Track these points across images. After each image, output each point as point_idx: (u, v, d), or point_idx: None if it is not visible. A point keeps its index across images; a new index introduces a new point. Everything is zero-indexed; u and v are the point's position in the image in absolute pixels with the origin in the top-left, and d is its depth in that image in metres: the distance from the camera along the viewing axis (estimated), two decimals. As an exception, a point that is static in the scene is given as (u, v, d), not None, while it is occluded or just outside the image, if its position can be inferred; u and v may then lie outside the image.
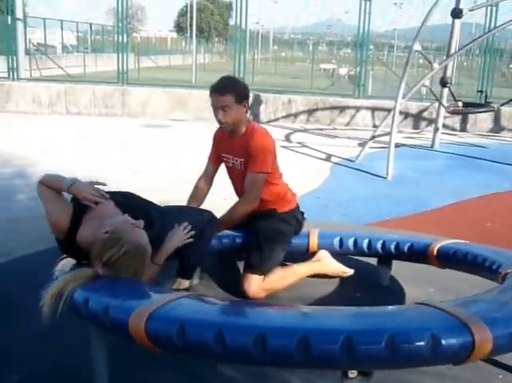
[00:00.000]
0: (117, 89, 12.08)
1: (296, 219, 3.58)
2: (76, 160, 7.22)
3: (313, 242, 3.71)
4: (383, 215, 5.03)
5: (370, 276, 3.80)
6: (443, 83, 9.13)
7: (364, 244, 3.65)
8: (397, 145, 8.42)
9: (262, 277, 3.32)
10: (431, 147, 9.64)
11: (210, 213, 3.26)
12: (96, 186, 2.68)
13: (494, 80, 14.44)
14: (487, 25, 12.05)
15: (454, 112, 9.02)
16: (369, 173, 7.21)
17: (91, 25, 25.02)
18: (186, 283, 3.11)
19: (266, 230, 3.43)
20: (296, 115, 12.08)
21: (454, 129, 11.84)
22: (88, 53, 22.20)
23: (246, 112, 3.40)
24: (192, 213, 3.25)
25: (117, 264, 2.36)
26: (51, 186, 2.64)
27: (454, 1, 8.98)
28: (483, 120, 11.82)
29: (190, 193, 3.67)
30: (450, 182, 6.87)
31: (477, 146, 10.14)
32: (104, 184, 2.76)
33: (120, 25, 12.84)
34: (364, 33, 12.47)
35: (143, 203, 2.93)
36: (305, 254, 3.71)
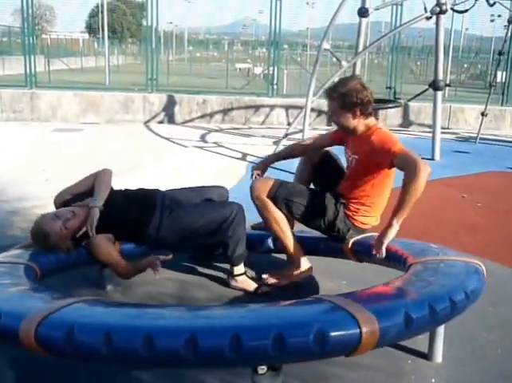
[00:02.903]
0: (25, 93, 11.65)
1: (346, 230, 3.47)
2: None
3: None
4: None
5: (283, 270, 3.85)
6: (353, 80, 9.35)
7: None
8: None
9: (270, 187, 3.39)
10: (344, 143, 9.83)
11: (230, 208, 3.45)
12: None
13: (402, 76, 14.96)
14: (393, 23, 12.46)
15: (363, 109, 9.25)
16: (284, 171, 7.29)
17: (-4, 26, 24.03)
18: (239, 269, 3.57)
19: (322, 199, 3.45)
20: (211, 115, 12.07)
21: (365, 125, 12.15)
22: (-5, 56, 21.33)
23: (362, 117, 3.28)
24: (213, 209, 3.50)
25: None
26: (94, 183, 3.42)
27: (361, 0, 9.22)
28: (393, 115, 12.21)
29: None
30: (362, 176, 7.05)
31: (387, 141, 10.44)
32: None
33: (27, 26, 12.40)
34: (276, 32, 12.61)
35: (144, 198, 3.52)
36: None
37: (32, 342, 2.01)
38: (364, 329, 1.93)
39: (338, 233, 3.51)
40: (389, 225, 3.02)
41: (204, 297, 3.48)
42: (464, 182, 7.05)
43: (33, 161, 7.44)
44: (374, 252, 3.05)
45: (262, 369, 1.98)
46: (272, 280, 3.58)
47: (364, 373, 2.68)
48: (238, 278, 3.59)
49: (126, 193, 3.58)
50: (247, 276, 3.62)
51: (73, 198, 3.46)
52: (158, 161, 7.74)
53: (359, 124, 3.30)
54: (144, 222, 3.37)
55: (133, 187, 3.70)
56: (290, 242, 3.51)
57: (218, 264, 3.96)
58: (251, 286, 3.58)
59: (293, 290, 3.55)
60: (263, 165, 3.82)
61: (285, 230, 3.49)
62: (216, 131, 11.15)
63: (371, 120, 3.33)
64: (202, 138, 10.20)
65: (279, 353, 1.85)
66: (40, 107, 11.56)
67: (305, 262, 3.59)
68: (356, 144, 3.38)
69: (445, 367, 2.77)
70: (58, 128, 10.58)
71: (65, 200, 3.46)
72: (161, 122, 11.86)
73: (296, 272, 3.57)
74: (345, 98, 3.22)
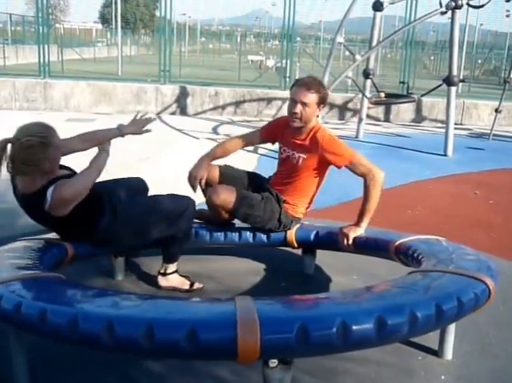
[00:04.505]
0: (39, 82, 11.69)
1: (290, 222, 3.59)
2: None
3: None
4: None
5: (295, 266, 3.86)
6: (366, 74, 9.34)
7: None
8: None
9: (233, 202, 3.37)
10: (356, 137, 9.83)
11: (186, 201, 3.27)
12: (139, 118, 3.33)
13: (416, 71, 14.87)
14: (408, 17, 12.37)
15: (376, 103, 9.24)
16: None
17: (10, 15, 24.11)
18: (173, 267, 3.37)
19: (270, 202, 3.50)
20: (223, 107, 12.06)
21: (378, 120, 12.12)
22: (9, 45, 21.40)
23: (317, 115, 3.46)
24: (169, 201, 3.23)
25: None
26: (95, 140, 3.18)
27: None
28: (406, 110, 12.15)
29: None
30: (374, 171, 7.02)
31: (400, 136, 10.41)
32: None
33: (41, 15, 12.43)
34: (290, 25, 12.56)
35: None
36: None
37: (256, 352, 1.94)
38: (490, 288, 2.42)
39: (284, 228, 3.59)
40: (357, 225, 3.37)
41: (214, 289, 3.48)
42: (477, 178, 7.02)
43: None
44: (344, 244, 3.36)
45: (273, 363, 1.98)
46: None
47: (374, 369, 2.68)
48: (170, 276, 3.38)
49: None
50: (179, 274, 3.43)
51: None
52: (169, 153, 7.75)
53: (314, 121, 3.43)
54: (96, 213, 2.98)
55: (144, 178, 3.64)
56: None
57: (227, 257, 3.98)
58: (184, 284, 3.40)
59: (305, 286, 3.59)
60: (203, 169, 3.57)
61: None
62: (228, 123, 11.14)
63: (317, 119, 3.49)
64: (214, 130, 10.19)
65: (458, 310, 2.26)
66: (53, 96, 11.60)
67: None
68: (301, 144, 3.45)
69: (455, 364, 2.77)
70: (71, 118, 10.61)
71: None
72: (173, 113, 11.87)
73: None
74: (323, 94, 3.37)
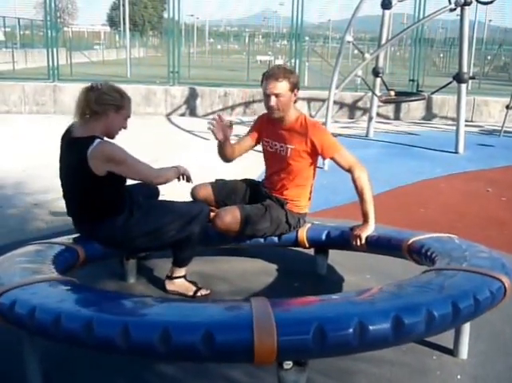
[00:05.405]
0: (48, 86, 11.74)
1: (297, 221, 3.58)
2: (11, 161, 7.01)
3: None
4: (319, 204, 5.06)
5: (307, 266, 3.85)
6: (375, 73, 9.30)
7: None
8: (333, 135, 8.51)
9: (237, 225, 3.34)
10: (366, 136, 9.80)
11: (200, 206, 3.32)
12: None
13: (425, 69, 14.79)
14: (416, 15, 12.32)
15: (386, 101, 9.19)
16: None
17: (19, 19, 24.20)
18: (181, 271, 3.37)
19: (274, 209, 3.48)
20: (232, 107, 12.06)
21: (388, 118, 12.07)
22: (18, 49, 21.50)
23: (295, 101, 3.45)
24: (183, 204, 3.31)
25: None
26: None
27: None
28: (416, 108, 12.10)
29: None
30: (385, 170, 6.99)
31: (410, 134, 10.36)
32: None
33: (49, 19, 12.48)
34: (298, 24, 12.54)
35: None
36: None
37: (273, 354, 1.94)
38: (506, 285, 2.42)
39: (294, 228, 3.58)
40: (366, 223, 3.37)
41: (227, 290, 3.48)
42: (488, 176, 6.97)
43: (58, 154, 7.48)
44: (357, 245, 3.36)
45: (288, 364, 1.96)
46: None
47: (389, 369, 2.66)
48: (177, 280, 3.38)
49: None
50: (186, 279, 3.42)
51: None
52: (180, 154, 7.75)
53: (293, 108, 3.42)
54: (117, 208, 3.07)
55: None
56: None
57: (239, 257, 3.97)
58: (190, 289, 3.38)
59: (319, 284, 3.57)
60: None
61: None
62: (238, 123, 11.13)
63: (296, 106, 3.48)
64: (224, 131, 10.16)
65: (475, 308, 2.26)
66: (62, 100, 11.63)
67: None
68: (289, 133, 3.45)
69: (470, 363, 2.74)
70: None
71: None
72: (183, 115, 11.88)
73: None
74: (293, 79, 3.34)
